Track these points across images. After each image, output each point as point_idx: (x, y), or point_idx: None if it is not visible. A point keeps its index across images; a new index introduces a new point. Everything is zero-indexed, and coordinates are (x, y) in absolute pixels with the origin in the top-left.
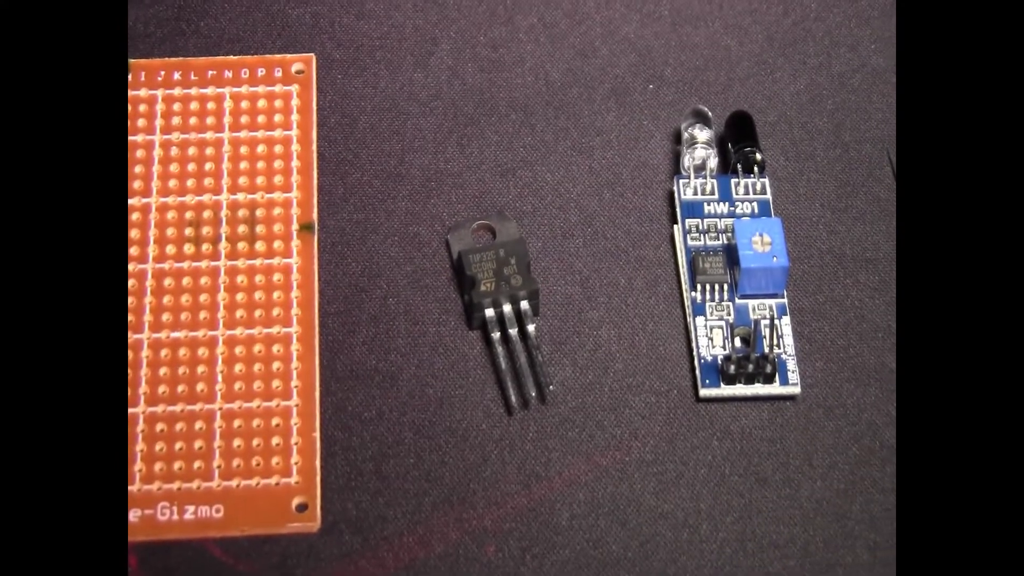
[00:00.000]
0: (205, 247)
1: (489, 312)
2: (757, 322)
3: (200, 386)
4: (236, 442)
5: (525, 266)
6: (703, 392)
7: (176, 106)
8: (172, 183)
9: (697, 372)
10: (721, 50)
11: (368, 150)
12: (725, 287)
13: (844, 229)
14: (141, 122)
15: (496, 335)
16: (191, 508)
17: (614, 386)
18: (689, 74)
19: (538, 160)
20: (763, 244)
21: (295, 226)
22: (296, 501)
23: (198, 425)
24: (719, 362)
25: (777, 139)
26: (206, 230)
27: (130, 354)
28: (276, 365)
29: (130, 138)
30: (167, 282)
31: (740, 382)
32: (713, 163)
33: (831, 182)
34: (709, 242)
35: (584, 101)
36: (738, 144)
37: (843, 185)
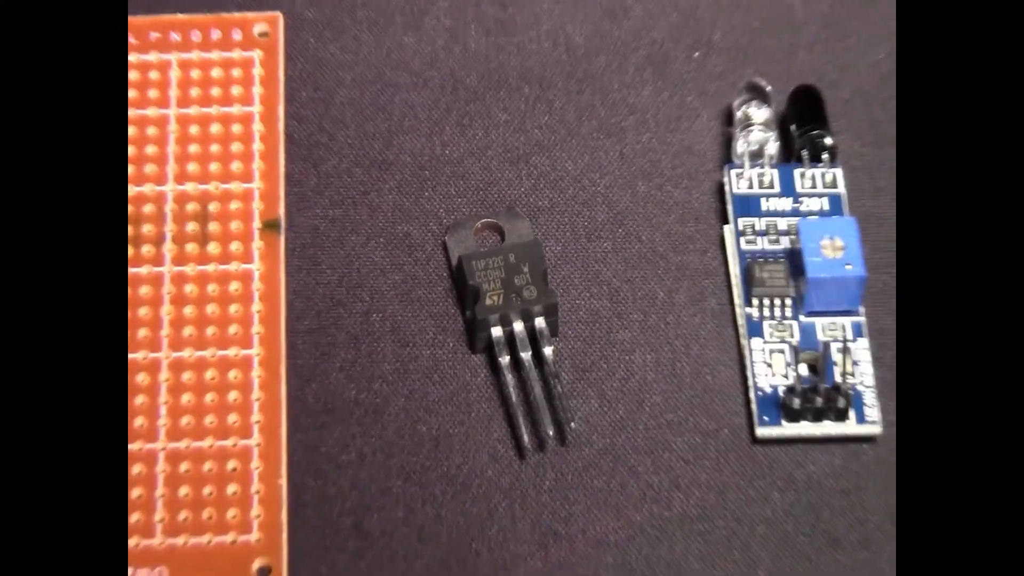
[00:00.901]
0: (146, 249)
1: (496, 331)
2: (827, 345)
3: (139, 420)
4: (183, 490)
5: (541, 275)
6: (761, 432)
7: None
8: None
9: (753, 407)
10: (783, 9)
11: (347, 131)
12: (788, 302)
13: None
14: None
15: (505, 360)
16: (128, 572)
17: (650, 424)
18: (743, 39)
19: (557, 144)
20: (834, 249)
21: (257, 224)
22: (257, 564)
23: (136, 469)
24: (780, 395)
25: (852, 119)
26: (147, 228)
27: None
28: (233, 395)
29: None
30: None
31: (806, 420)
32: (773, 149)
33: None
34: (768, 246)
35: (614, 72)
36: (803, 126)
37: None
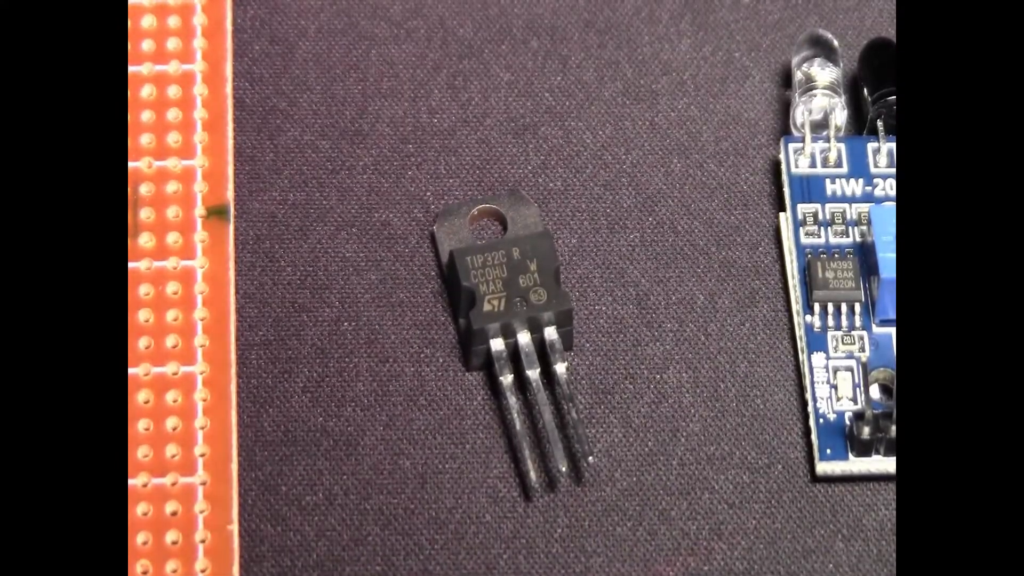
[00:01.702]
0: None
1: (497, 344)
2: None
3: None
4: None
5: (552, 274)
6: (823, 468)
7: None
8: None
9: (814, 438)
10: None
11: (311, 95)
12: (857, 308)
13: None
14: None
15: (508, 379)
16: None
17: (687, 458)
18: None
19: (572, 111)
20: None
21: (200, 211)
22: None
23: None
24: (847, 423)
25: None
26: None
27: None
28: (172, 423)
29: None
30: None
31: (878, 453)
32: (841, 118)
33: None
34: (834, 239)
35: (643, 21)
36: (879, 89)
37: None
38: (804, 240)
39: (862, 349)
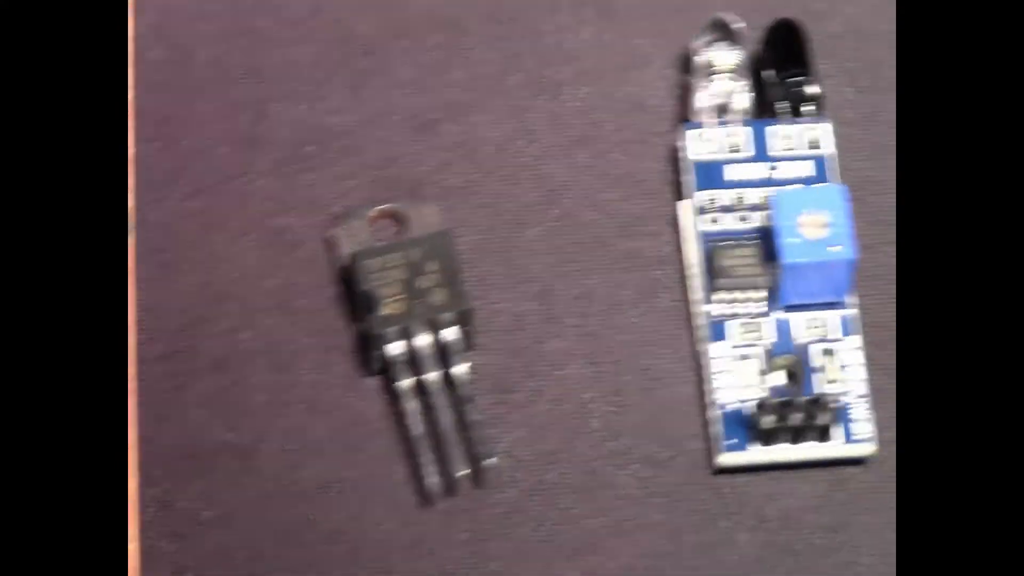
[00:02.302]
0: None
1: (396, 348)
2: (808, 348)
3: None
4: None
5: (452, 274)
6: (724, 459)
7: None
8: None
9: (715, 429)
10: None
11: (209, 98)
12: (760, 295)
13: None
14: None
15: (407, 383)
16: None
17: (589, 454)
18: None
19: (474, 106)
20: (817, 226)
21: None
22: None
23: None
24: (749, 412)
25: (842, 60)
26: None
27: None
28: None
29: None
30: None
31: (781, 441)
32: (743, 102)
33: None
34: (735, 226)
35: (545, 10)
36: (782, 71)
37: None
38: (705, 228)
39: (764, 337)
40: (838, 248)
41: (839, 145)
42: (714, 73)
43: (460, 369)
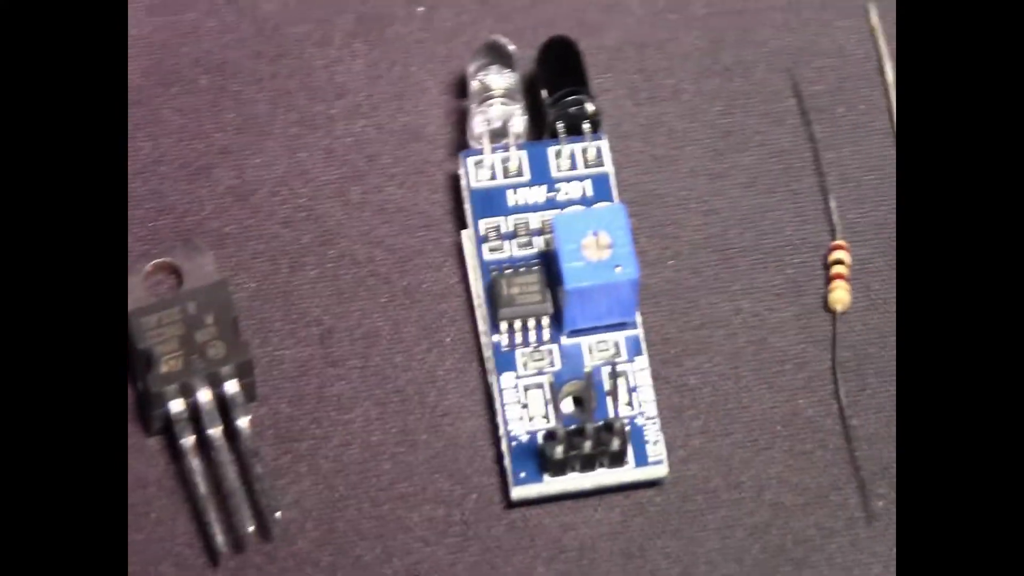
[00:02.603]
0: None
1: (177, 405)
2: (595, 372)
3: None
4: None
5: (230, 325)
6: (517, 492)
7: None
8: None
9: (507, 462)
10: None
11: None
12: (545, 322)
13: (728, 208)
14: None
15: (189, 440)
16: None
17: (379, 498)
18: None
19: (247, 148)
20: (599, 248)
21: None
22: None
23: None
24: (539, 443)
25: (621, 75)
26: None
27: None
28: None
29: None
30: None
31: (573, 470)
32: (520, 125)
33: (707, 134)
34: (518, 252)
35: (315, 44)
36: (557, 91)
37: (726, 135)
38: (488, 256)
39: (552, 364)
40: (621, 269)
41: (620, 160)
42: (489, 97)
43: (243, 422)
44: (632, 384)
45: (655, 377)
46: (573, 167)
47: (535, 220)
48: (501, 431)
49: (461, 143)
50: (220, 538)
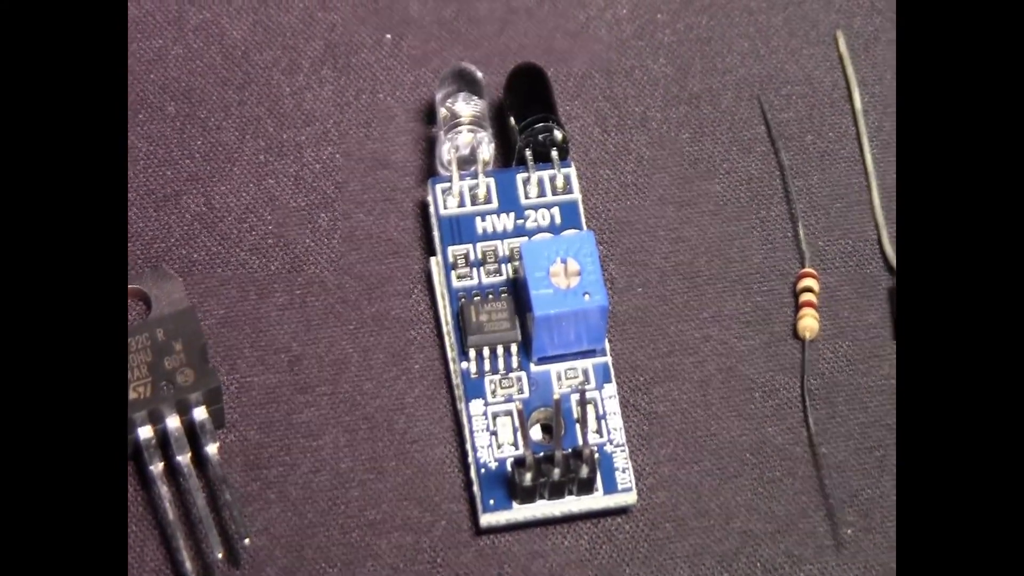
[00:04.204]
0: None
1: (145, 432)
2: (564, 399)
3: None
4: None
5: (198, 352)
6: (486, 520)
7: None
8: None
9: (476, 489)
10: None
11: None
12: (514, 348)
13: (696, 235)
14: None
15: (157, 468)
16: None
17: (348, 526)
18: (448, 10)
19: (215, 175)
20: (568, 275)
21: None
22: None
23: None
24: (508, 470)
25: (589, 102)
26: None
27: None
28: None
29: None
30: None
31: (542, 497)
32: (488, 152)
33: (676, 162)
34: (487, 280)
35: (283, 72)
36: (525, 118)
37: (694, 163)
38: (456, 284)
39: (521, 392)
40: (590, 296)
41: (588, 187)
42: (458, 125)
43: (211, 449)
44: (601, 411)
45: (624, 405)
46: (541, 194)
47: (504, 247)
48: (470, 458)
49: (430, 170)
50: (189, 565)
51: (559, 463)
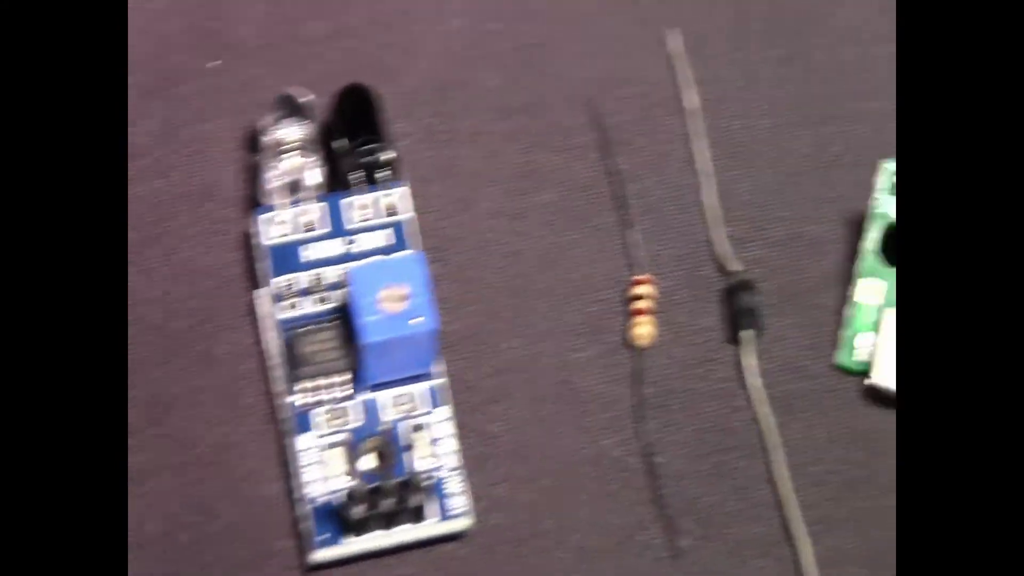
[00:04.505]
0: None
1: None
2: (393, 427)
3: None
4: None
5: None
6: (317, 555)
7: None
8: None
9: (307, 525)
10: None
11: None
12: (344, 378)
13: (529, 248)
14: None
15: None
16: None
17: (179, 572)
18: (277, 30)
19: None
20: (397, 299)
21: None
22: None
23: None
24: (340, 503)
25: (419, 118)
26: None
27: None
28: None
29: None
30: None
31: (376, 529)
32: (315, 177)
33: (507, 174)
34: (315, 309)
35: None
36: (353, 140)
37: (526, 174)
38: (284, 315)
39: (352, 421)
40: (420, 320)
41: (419, 206)
42: (284, 151)
43: None
44: (434, 436)
45: (458, 426)
46: (372, 217)
47: (333, 274)
48: (300, 493)
49: (253, 201)
50: None
51: (391, 493)
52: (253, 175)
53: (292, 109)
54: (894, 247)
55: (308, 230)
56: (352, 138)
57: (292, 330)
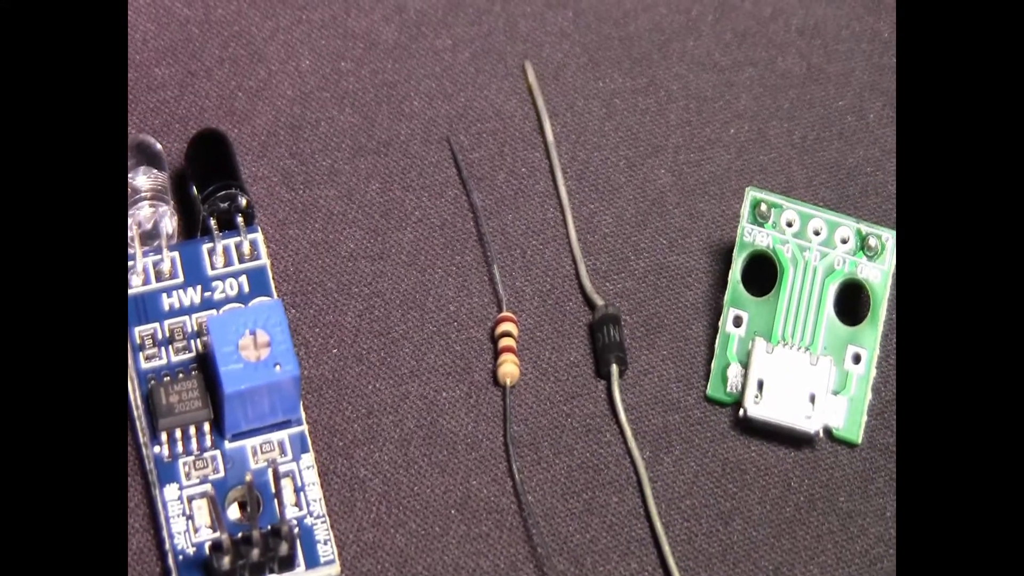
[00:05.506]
0: None
1: None
2: (257, 476)
3: None
4: None
5: None
6: None
7: None
8: None
9: None
10: (177, 29)
11: None
12: (207, 428)
13: (391, 288)
14: None
15: None
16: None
17: None
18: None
19: None
20: (257, 346)
21: None
22: None
23: None
24: (205, 555)
25: (275, 160)
26: None
27: None
28: None
29: None
30: None
31: None
32: (170, 225)
33: (366, 214)
34: (175, 358)
35: None
36: (207, 186)
37: (385, 214)
38: (145, 365)
39: (216, 471)
40: (282, 367)
41: (277, 250)
42: (138, 199)
43: None
44: (300, 483)
45: (325, 472)
46: (228, 263)
47: (192, 322)
48: (167, 545)
49: None
50: None
51: (258, 543)
52: None
53: (145, 157)
54: (760, 276)
55: (166, 279)
56: (205, 185)
57: (153, 380)
